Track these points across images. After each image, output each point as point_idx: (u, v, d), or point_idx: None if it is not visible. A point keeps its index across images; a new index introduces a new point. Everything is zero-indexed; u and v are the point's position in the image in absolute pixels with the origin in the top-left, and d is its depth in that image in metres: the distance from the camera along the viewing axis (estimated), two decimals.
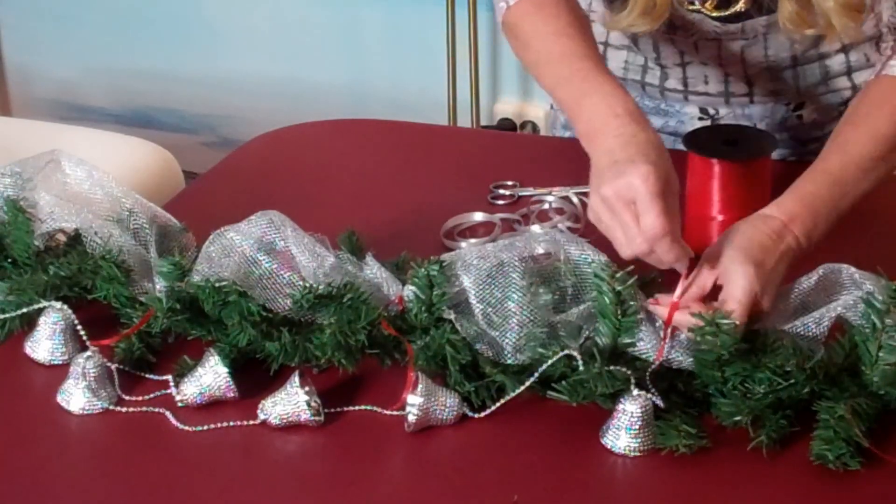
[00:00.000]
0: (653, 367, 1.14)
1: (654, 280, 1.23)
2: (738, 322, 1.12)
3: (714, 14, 1.42)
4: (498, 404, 1.14)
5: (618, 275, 1.15)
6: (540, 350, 1.15)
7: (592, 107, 1.23)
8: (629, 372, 1.12)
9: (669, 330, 1.15)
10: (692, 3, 1.42)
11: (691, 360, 1.14)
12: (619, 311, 1.14)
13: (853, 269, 1.19)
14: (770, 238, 1.19)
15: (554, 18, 1.34)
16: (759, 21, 1.42)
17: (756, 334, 1.16)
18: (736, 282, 1.15)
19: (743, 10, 1.41)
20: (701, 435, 1.09)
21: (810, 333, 1.16)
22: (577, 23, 1.34)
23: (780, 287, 1.18)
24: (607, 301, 1.14)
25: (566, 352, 1.13)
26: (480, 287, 1.18)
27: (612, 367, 1.13)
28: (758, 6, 1.40)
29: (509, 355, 1.16)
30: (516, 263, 1.19)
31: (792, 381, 1.10)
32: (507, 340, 1.16)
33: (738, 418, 1.10)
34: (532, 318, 1.17)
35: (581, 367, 1.13)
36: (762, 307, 1.16)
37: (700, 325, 1.11)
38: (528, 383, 1.14)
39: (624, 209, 1.14)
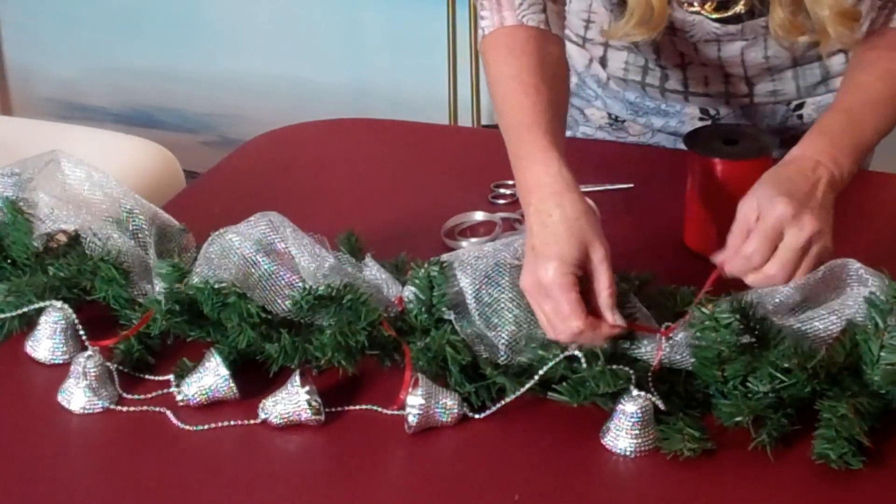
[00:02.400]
0: (652, 369, 1.14)
1: (650, 281, 1.23)
2: (757, 259, 1.15)
3: (714, 16, 1.42)
4: (498, 405, 1.14)
5: (618, 279, 1.16)
6: (540, 352, 1.15)
7: (522, 171, 1.23)
8: (631, 371, 1.12)
9: (667, 331, 1.15)
10: (691, 5, 1.42)
11: (691, 360, 1.14)
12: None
13: (859, 265, 1.19)
14: (800, 171, 1.20)
15: (515, 60, 1.30)
16: (759, 22, 1.42)
17: (752, 328, 1.16)
18: (771, 213, 1.16)
19: (742, 11, 1.41)
20: (705, 437, 1.09)
21: (816, 334, 1.16)
22: (542, 67, 1.30)
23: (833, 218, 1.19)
24: None
25: (568, 353, 1.13)
26: (478, 287, 1.18)
27: (613, 366, 1.13)
28: (757, 8, 1.40)
29: (503, 354, 1.16)
30: (515, 263, 1.19)
31: (793, 380, 1.10)
32: (501, 340, 1.16)
33: (739, 418, 1.10)
34: (529, 318, 1.17)
35: (584, 366, 1.13)
36: (816, 253, 1.16)
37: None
38: (528, 385, 1.13)
39: (542, 301, 1.14)
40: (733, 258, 1.18)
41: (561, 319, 1.13)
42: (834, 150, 1.24)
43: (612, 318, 1.14)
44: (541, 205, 1.18)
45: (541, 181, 1.20)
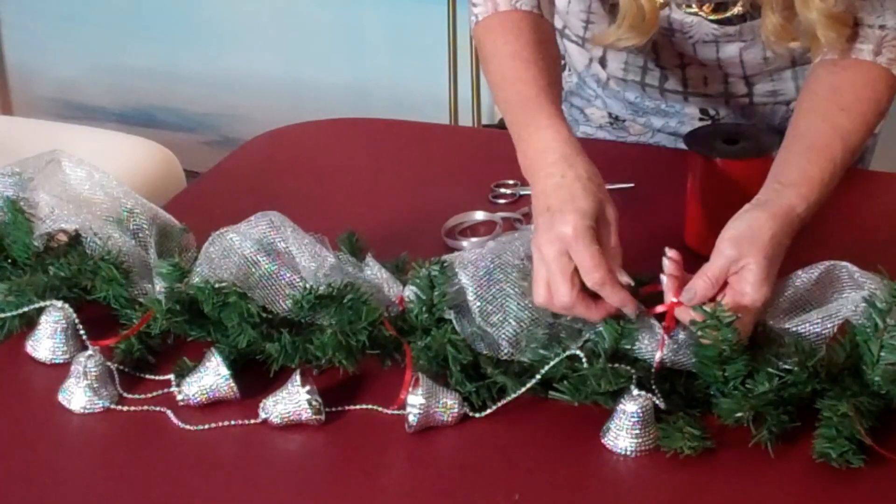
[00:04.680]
0: (653, 370, 1.14)
1: (650, 281, 1.23)
2: (698, 298, 1.14)
3: (712, 17, 1.42)
4: (499, 404, 1.14)
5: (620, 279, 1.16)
6: (541, 352, 1.15)
7: (527, 140, 1.23)
8: (632, 370, 1.12)
9: (668, 331, 1.15)
10: (690, 7, 1.42)
11: (693, 360, 1.14)
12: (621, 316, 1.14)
13: (854, 268, 1.19)
14: (778, 225, 1.18)
15: (513, 38, 1.32)
16: (757, 23, 1.41)
17: (756, 331, 1.16)
18: (747, 277, 1.15)
19: (740, 12, 1.41)
20: (705, 436, 1.09)
21: (812, 335, 1.16)
22: (538, 44, 1.32)
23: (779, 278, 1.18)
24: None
25: (570, 352, 1.13)
26: (479, 285, 1.18)
27: (614, 365, 1.13)
28: (755, 9, 1.40)
29: (505, 350, 1.16)
30: (516, 262, 1.19)
31: (794, 379, 1.10)
32: (502, 335, 1.16)
33: (739, 415, 1.10)
34: (531, 316, 1.17)
35: (585, 365, 1.13)
36: (757, 302, 1.15)
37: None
38: (529, 384, 1.13)
39: (556, 258, 1.13)
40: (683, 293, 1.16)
41: (587, 270, 1.12)
42: (805, 189, 1.20)
43: (622, 278, 1.14)
44: (552, 167, 1.19)
45: (549, 145, 1.21)
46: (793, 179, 1.21)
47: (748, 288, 1.14)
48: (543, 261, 1.15)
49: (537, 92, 1.26)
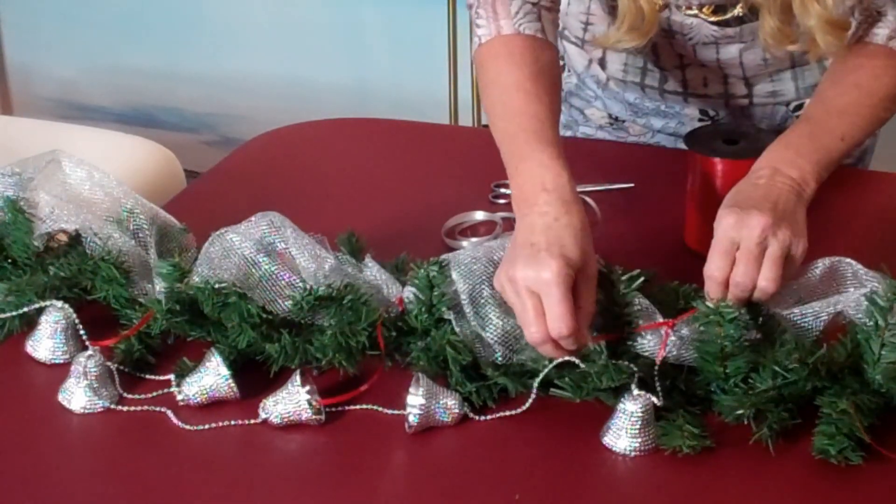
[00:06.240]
0: (656, 367, 1.14)
1: (652, 277, 1.23)
2: (716, 273, 1.14)
3: (712, 19, 1.42)
4: (500, 414, 1.14)
5: (623, 277, 1.16)
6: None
7: (526, 173, 1.21)
8: (633, 366, 1.12)
9: (669, 330, 1.15)
10: (690, 8, 1.42)
11: (694, 355, 1.14)
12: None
13: (857, 265, 1.19)
14: (753, 182, 1.19)
15: (517, 69, 1.30)
16: (757, 25, 1.41)
17: (757, 323, 1.16)
18: (719, 228, 1.15)
19: (740, 14, 1.41)
20: (704, 435, 1.09)
21: (807, 325, 1.16)
22: (542, 75, 1.30)
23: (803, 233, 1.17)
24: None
25: (565, 357, 1.13)
26: (472, 287, 1.18)
27: (616, 361, 1.13)
28: (753, 12, 1.40)
29: (498, 353, 1.16)
30: None
31: (794, 377, 1.10)
32: (494, 337, 1.16)
33: (740, 412, 1.10)
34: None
35: (583, 367, 1.13)
36: (784, 247, 1.14)
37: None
38: (532, 386, 1.14)
39: (528, 297, 1.12)
40: (706, 289, 1.16)
41: (552, 318, 1.11)
42: (791, 153, 1.23)
43: (587, 336, 1.13)
44: (547, 207, 1.17)
45: (547, 185, 1.19)
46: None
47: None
48: (516, 294, 1.13)
49: (539, 127, 1.24)
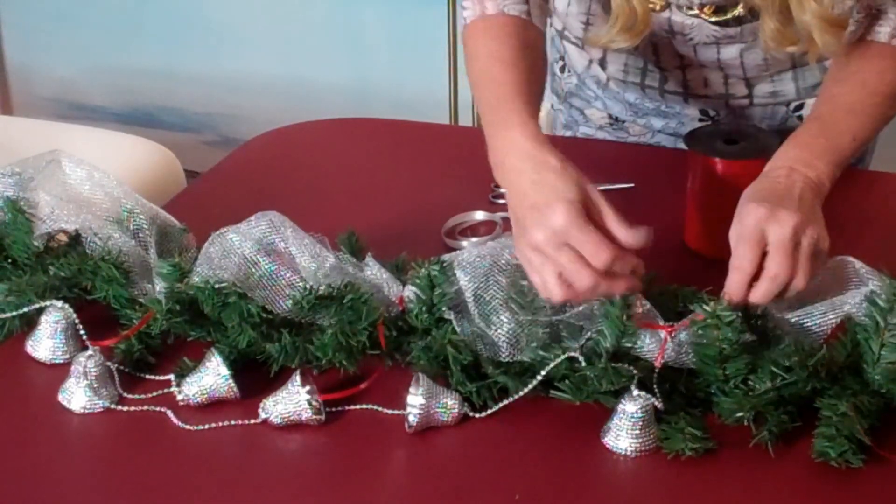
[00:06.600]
0: (656, 370, 1.14)
1: (652, 279, 1.23)
2: (746, 265, 1.12)
3: (712, 19, 1.42)
4: (499, 405, 1.14)
5: None
6: (541, 353, 1.15)
7: (501, 139, 1.22)
8: (633, 369, 1.12)
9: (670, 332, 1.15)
10: (690, 9, 1.42)
11: (693, 358, 1.14)
12: (624, 315, 1.14)
13: (859, 264, 1.19)
14: (772, 181, 1.18)
15: (497, 42, 1.32)
16: (757, 25, 1.41)
17: (757, 327, 1.16)
18: (746, 219, 1.14)
19: (740, 14, 1.41)
20: (706, 437, 1.09)
21: (812, 328, 1.16)
22: (520, 49, 1.32)
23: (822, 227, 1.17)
24: (612, 303, 1.14)
25: (568, 354, 1.13)
26: (478, 286, 1.18)
27: (616, 364, 1.13)
28: (753, 14, 1.40)
29: (504, 352, 1.16)
30: (515, 262, 1.19)
31: (794, 378, 1.10)
32: (501, 336, 1.16)
33: (740, 414, 1.10)
34: (530, 316, 1.17)
35: (584, 365, 1.13)
36: (808, 244, 1.14)
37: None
38: (531, 386, 1.13)
39: (558, 251, 1.12)
40: (729, 283, 1.14)
41: (592, 254, 1.10)
42: (805, 153, 1.22)
43: (629, 236, 1.13)
44: (523, 164, 1.17)
45: (518, 143, 1.20)
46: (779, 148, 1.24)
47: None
48: (545, 257, 1.13)
49: (512, 94, 1.26)
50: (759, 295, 1.13)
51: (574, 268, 1.12)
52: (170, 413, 1.16)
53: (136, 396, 1.18)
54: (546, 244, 1.13)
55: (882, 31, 1.32)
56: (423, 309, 1.20)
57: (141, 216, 1.34)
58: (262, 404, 1.14)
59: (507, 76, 1.28)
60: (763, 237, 1.14)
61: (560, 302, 1.14)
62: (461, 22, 1.40)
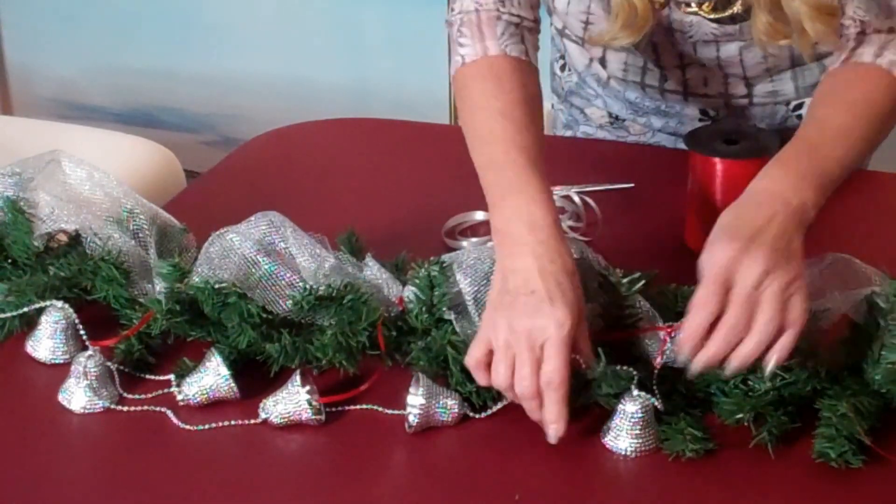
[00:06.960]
0: (656, 371, 1.14)
1: (652, 279, 1.23)
2: (702, 309, 1.08)
3: (711, 16, 1.42)
4: (499, 405, 1.14)
5: (623, 280, 1.15)
6: None
7: (513, 207, 1.17)
8: (633, 371, 1.12)
9: (669, 333, 1.15)
10: (689, 6, 1.42)
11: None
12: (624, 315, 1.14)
13: (860, 264, 1.19)
14: (757, 208, 1.14)
15: (504, 94, 1.26)
16: None
17: None
18: (712, 256, 1.10)
19: (739, 11, 1.41)
20: (707, 437, 1.09)
21: (812, 328, 1.16)
22: (527, 103, 1.27)
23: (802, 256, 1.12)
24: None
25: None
26: (478, 289, 1.18)
27: (616, 367, 1.13)
28: (748, 12, 1.39)
29: None
30: None
31: (794, 378, 1.10)
32: None
33: (740, 416, 1.10)
34: None
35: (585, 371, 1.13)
36: (776, 290, 1.08)
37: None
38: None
39: (528, 348, 1.09)
40: (685, 326, 1.10)
41: (542, 373, 1.08)
42: (791, 177, 1.17)
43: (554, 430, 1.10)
44: (539, 248, 1.13)
45: (538, 224, 1.15)
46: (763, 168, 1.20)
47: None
48: (515, 346, 1.10)
49: (530, 158, 1.20)
50: (710, 351, 1.09)
51: (527, 371, 1.09)
52: (170, 413, 1.16)
53: (136, 396, 1.18)
54: (526, 338, 1.09)
55: (866, 52, 1.30)
56: (423, 309, 1.20)
57: (141, 216, 1.34)
58: (262, 404, 1.14)
59: (519, 137, 1.22)
60: (729, 280, 1.09)
61: (482, 384, 1.13)
62: (456, 59, 1.33)
